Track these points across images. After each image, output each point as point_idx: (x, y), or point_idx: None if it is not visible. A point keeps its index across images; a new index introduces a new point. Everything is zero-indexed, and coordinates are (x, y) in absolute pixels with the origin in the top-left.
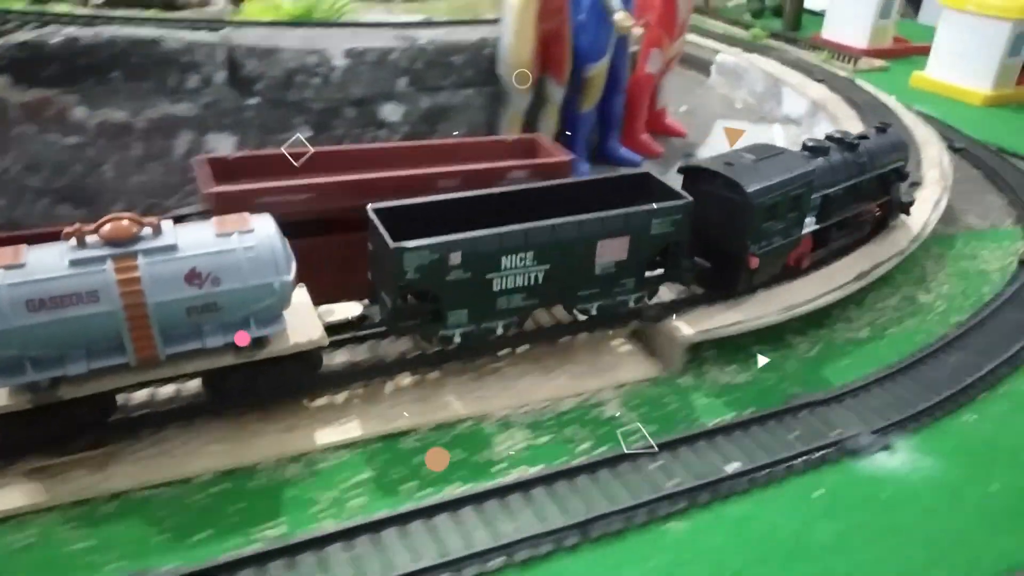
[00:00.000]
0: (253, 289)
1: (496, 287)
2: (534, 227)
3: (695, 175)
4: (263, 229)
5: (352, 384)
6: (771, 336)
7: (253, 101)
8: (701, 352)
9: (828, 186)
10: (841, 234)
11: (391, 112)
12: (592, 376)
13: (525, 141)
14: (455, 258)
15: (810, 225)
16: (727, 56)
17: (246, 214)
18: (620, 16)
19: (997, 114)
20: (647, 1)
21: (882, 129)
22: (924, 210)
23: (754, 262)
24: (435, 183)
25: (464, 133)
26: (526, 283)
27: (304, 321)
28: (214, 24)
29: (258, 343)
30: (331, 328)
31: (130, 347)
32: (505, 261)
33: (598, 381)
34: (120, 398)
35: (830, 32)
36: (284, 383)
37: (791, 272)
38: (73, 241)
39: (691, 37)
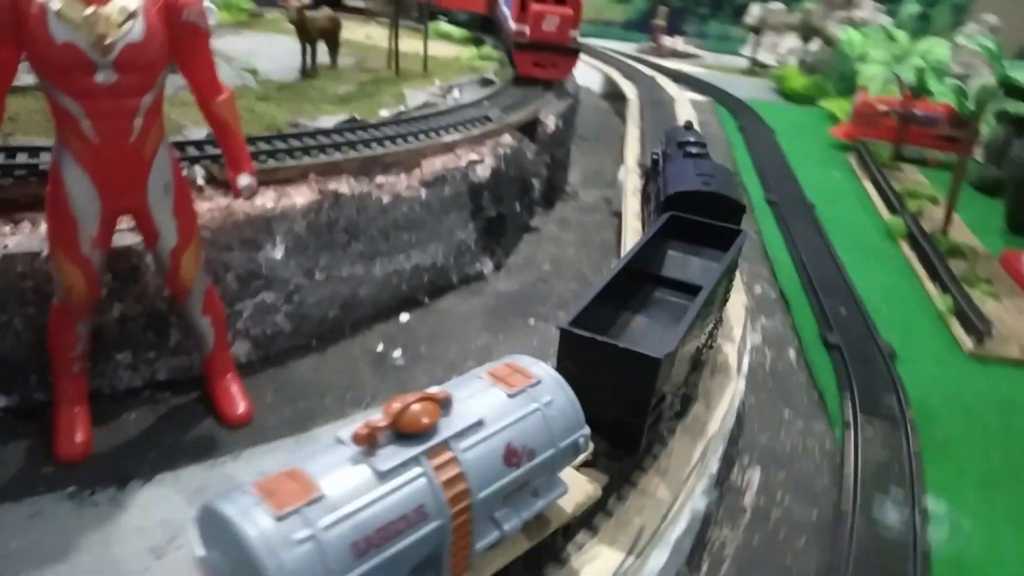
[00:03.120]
0: (562, 452)
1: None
2: (709, 290)
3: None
4: (546, 375)
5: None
6: None
7: None
8: None
9: None
10: None
11: None
12: None
13: None
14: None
15: None
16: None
17: (516, 362)
18: None
19: None
20: None
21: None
22: None
23: None
24: None
25: None
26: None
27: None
28: None
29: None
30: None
31: (446, 564)
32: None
33: None
34: None
35: None
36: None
37: None
38: (357, 446)
39: None
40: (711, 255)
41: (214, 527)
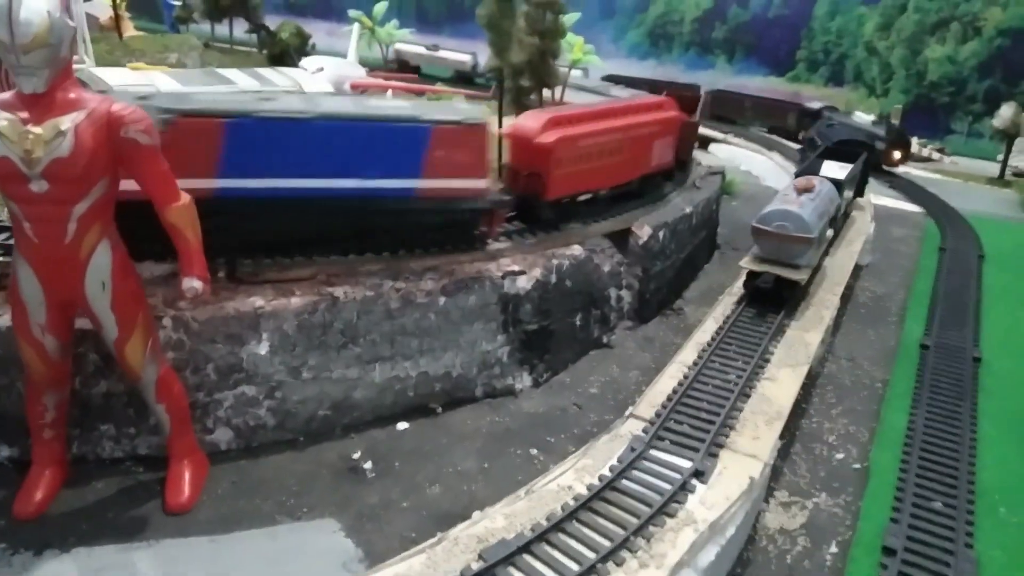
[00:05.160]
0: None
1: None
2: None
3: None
4: (822, 179)
5: None
6: None
7: None
8: None
9: None
10: None
11: None
12: None
13: None
14: None
15: None
16: None
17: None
18: None
19: None
20: None
21: None
22: None
23: None
24: None
25: None
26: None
27: None
28: None
29: None
30: None
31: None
32: None
33: None
34: None
35: None
36: None
37: None
38: (797, 192)
39: None
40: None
41: (779, 216)
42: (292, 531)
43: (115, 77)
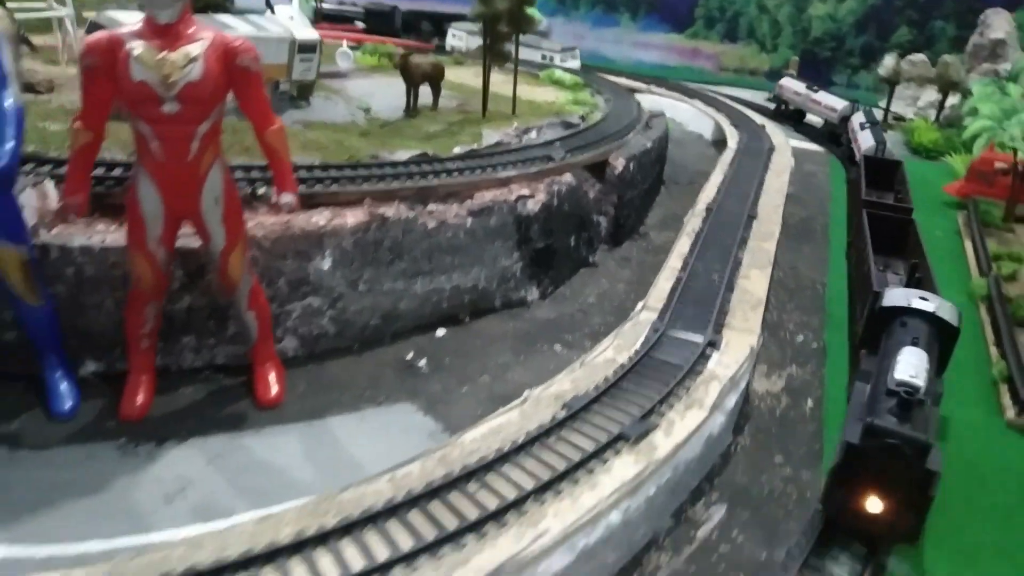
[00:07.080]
0: None
1: None
2: None
3: None
4: None
5: None
6: None
7: None
8: None
9: None
10: None
11: None
12: None
13: None
14: None
15: None
16: None
17: None
18: None
19: None
20: None
21: None
22: None
23: None
24: None
25: None
26: None
27: None
28: None
29: None
30: None
31: None
32: None
33: None
34: None
35: None
36: None
37: None
38: None
39: None
40: None
41: None
42: (377, 414)
43: (130, 20)
